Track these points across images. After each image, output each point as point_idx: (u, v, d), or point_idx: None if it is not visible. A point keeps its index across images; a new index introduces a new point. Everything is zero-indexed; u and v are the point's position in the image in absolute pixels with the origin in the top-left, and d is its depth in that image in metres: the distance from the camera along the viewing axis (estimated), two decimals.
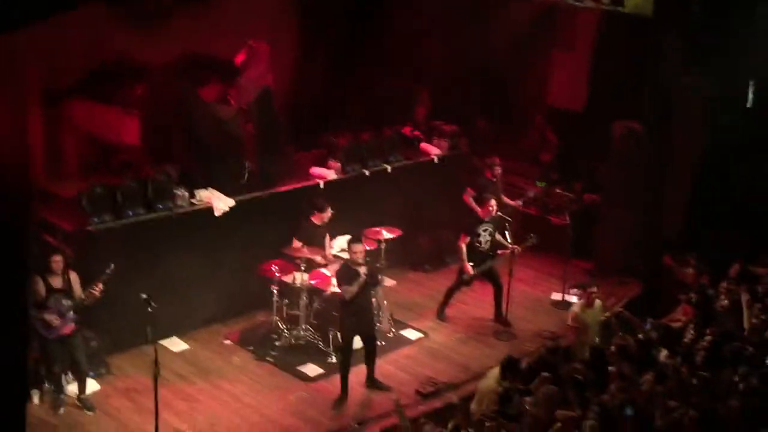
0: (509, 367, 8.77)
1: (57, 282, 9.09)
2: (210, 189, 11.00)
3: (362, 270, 9.60)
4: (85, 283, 9.23)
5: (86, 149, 11.77)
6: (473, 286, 11.83)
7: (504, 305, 11.53)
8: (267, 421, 9.45)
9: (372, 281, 9.76)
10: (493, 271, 11.57)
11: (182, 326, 10.90)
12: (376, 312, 10.44)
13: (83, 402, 9.43)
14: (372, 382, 10.08)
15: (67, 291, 9.10)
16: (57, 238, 10.21)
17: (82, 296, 9.12)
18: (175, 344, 10.74)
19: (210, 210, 10.81)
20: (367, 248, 11.01)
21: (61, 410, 9.36)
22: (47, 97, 11.20)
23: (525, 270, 12.60)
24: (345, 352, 9.84)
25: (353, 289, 9.54)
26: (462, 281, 11.58)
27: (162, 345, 10.18)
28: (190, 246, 10.69)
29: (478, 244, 11.38)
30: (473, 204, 11.99)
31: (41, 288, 9.01)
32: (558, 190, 13.56)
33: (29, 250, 9.21)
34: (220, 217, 10.85)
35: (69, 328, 9.14)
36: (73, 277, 9.19)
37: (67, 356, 9.32)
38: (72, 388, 9.60)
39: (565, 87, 14.17)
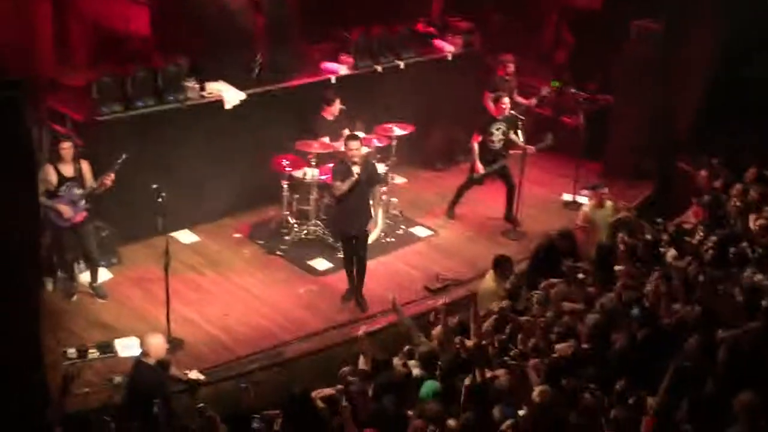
0: (499, 265, 8.83)
1: (68, 170, 9.07)
2: (220, 81, 10.88)
3: (355, 169, 9.32)
4: (96, 173, 9.22)
5: (95, 39, 11.59)
6: (484, 185, 11.81)
7: (515, 205, 11.51)
8: (276, 312, 9.57)
9: (367, 181, 9.45)
10: (506, 170, 11.50)
11: (192, 219, 10.95)
12: (371, 215, 9.84)
13: (95, 290, 9.55)
14: (358, 296, 9.80)
15: (78, 180, 9.10)
16: (67, 127, 10.16)
17: (94, 185, 9.12)
18: (186, 236, 10.81)
19: (220, 102, 10.72)
20: (378, 144, 11.00)
21: (74, 297, 9.49)
22: None
23: (536, 170, 12.50)
24: (344, 247, 9.80)
25: (343, 186, 9.31)
26: (473, 180, 11.54)
27: (173, 237, 10.23)
28: (200, 139, 10.64)
29: (490, 143, 11.28)
30: (490, 104, 11.78)
31: (53, 177, 9.00)
32: (572, 90, 13.36)
33: (36, 138, 9.29)
34: (230, 110, 10.76)
35: (80, 216, 9.18)
36: (85, 166, 9.17)
37: (79, 244, 9.39)
38: (84, 277, 9.71)
39: None
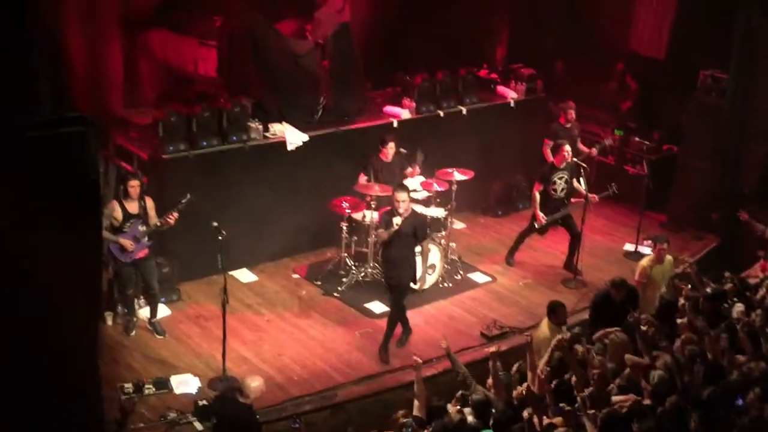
0: (553, 311, 8.68)
1: (133, 207, 9.24)
2: (284, 123, 11.02)
3: (396, 220, 9.18)
4: (160, 211, 9.37)
5: (162, 79, 11.88)
6: (545, 237, 11.71)
7: (576, 254, 11.35)
8: (332, 354, 9.54)
9: (413, 234, 9.30)
10: (569, 219, 11.34)
11: (252, 259, 11.05)
12: (414, 269, 9.72)
13: (154, 326, 9.64)
14: (383, 348, 9.59)
15: (142, 216, 9.25)
16: (133, 165, 10.36)
17: (158, 222, 9.26)
18: (245, 275, 10.89)
19: (283, 144, 10.84)
20: (438, 189, 10.98)
21: (133, 333, 9.59)
22: (126, 27, 11.28)
23: (598, 219, 12.40)
24: (392, 298, 9.64)
25: (383, 235, 9.27)
26: (533, 229, 11.42)
27: (231, 276, 10.32)
28: (262, 179, 10.77)
29: (552, 192, 11.15)
30: (549, 155, 11.65)
31: (118, 213, 9.17)
32: (636, 139, 13.22)
33: (102, 174, 9.48)
34: (292, 151, 10.86)
35: (143, 252, 9.32)
36: (149, 203, 9.33)
37: (140, 280, 9.51)
38: (144, 313, 9.83)
39: (648, 31, 13.69)
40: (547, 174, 11.15)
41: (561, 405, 6.73)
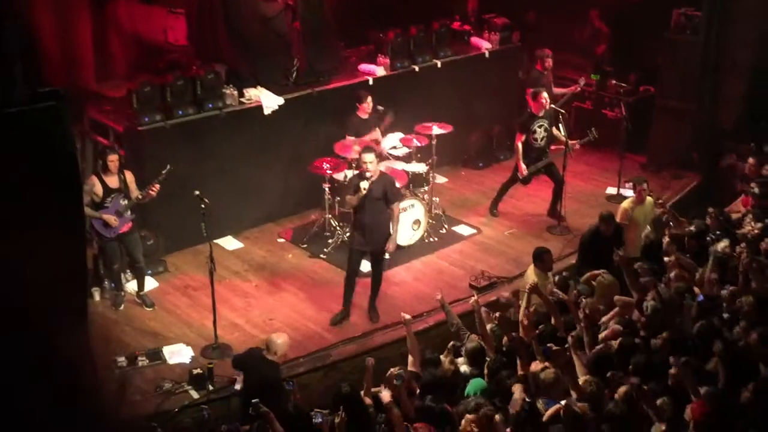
0: (539, 257, 8.72)
1: (113, 182, 9.18)
2: (259, 87, 10.93)
3: (364, 184, 8.84)
4: (140, 183, 9.31)
5: (133, 50, 11.74)
6: (530, 185, 11.73)
7: (560, 200, 11.37)
8: (322, 315, 9.55)
9: (383, 197, 8.98)
10: (552, 166, 11.36)
11: (236, 225, 11.02)
12: (389, 232, 9.32)
13: (142, 298, 9.62)
14: (370, 308, 9.50)
15: (123, 190, 9.19)
16: (109, 138, 10.28)
17: (139, 195, 9.20)
18: (230, 243, 10.87)
19: (259, 108, 10.76)
20: (419, 144, 10.96)
21: (121, 307, 9.58)
22: (93, 1, 11.12)
23: (579, 164, 12.44)
24: (350, 260, 9.32)
25: (352, 200, 9.01)
26: (516, 179, 11.43)
27: (217, 244, 10.26)
28: (241, 145, 10.70)
29: (533, 141, 11.14)
30: (531, 100, 11.61)
31: (98, 188, 9.11)
32: (613, 82, 13.20)
33: (79, 149, 9.39)
34: (269, 115, 10.80)
35: (126, 226, 9.27)
36: (129, 176, 9.26)
37: (125, 254, 9.48)
38: (131, 286, 9.80)
39: None
40: (527, 123, 11.13)
41: (549, 345, 6.78)
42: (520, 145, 11.15)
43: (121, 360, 8.61)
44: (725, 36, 11.98)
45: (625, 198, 11.39)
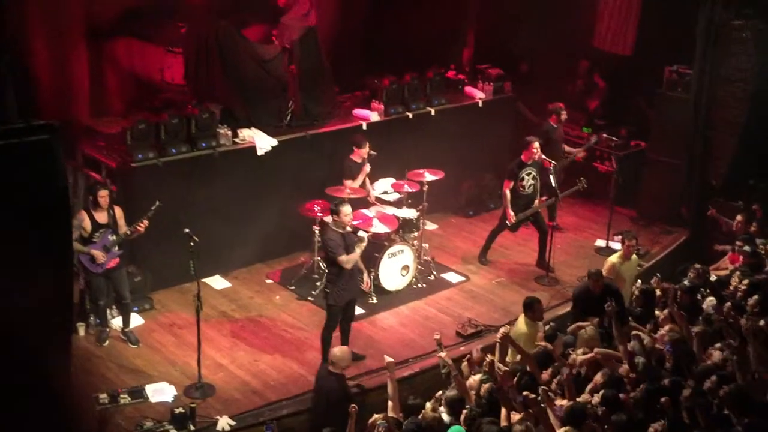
0: (530, 307, 8.73)
1: (102, 217, 9.18)
2: (253, 128, 10.99)
3: (361, 233, 8.99)
4: (129, 219, 9.31)
5: (129, 87, 11.80)
6: (517, 233, 11.76)
7: (547, 250, 11.40)
8: (308, 357, 9.51)
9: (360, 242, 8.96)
10: (538, 216, 11.44)
11: (224, 265, 11.00)
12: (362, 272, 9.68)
13: (127, 335, 9.56)
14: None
15: (111, 226, 9.19)
16: (101, 174, 10.28)
17: (128, 231, 9.20)
18: (218, 282, 10.84)
19: (252, 149, 10.81)
20: (410, 190, 11.01)
21: (106, 343, 9.52)
22: (91, 36, 11.21)
23: (569, 216, 12.51)
24: (337, 313, 9.16)
25: (355, 256, 8.93)
26: (504, 226, 11.47)
27: (205, 283, 10.24)
28: (232, 185, 10.72)
29: (521, 188, 11.22)
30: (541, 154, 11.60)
31: (87, 223, 9.11)
32: (604, 136, 13.31)
33: (71, 184, 9.40)
34: (262, 156, 10.84)
35: (113, 262, 9.25)
36: (118, 212, 9.27)
37: (111, 290, 9.45)
38: (116, 322, 9.75)
39: (613, 29, 13.82)
40: (516, 171, 11.20)
41: (525, 393, 6.74)
42: (508, 192, 11.21)
43: (103, 397, 8.53)
44: (716, 94, 12.11)
45: (613, 251, 11.47)
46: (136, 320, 9.85)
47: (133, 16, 11.49)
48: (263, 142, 10.86)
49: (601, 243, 12.27)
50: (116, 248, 9.23)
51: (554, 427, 6.52)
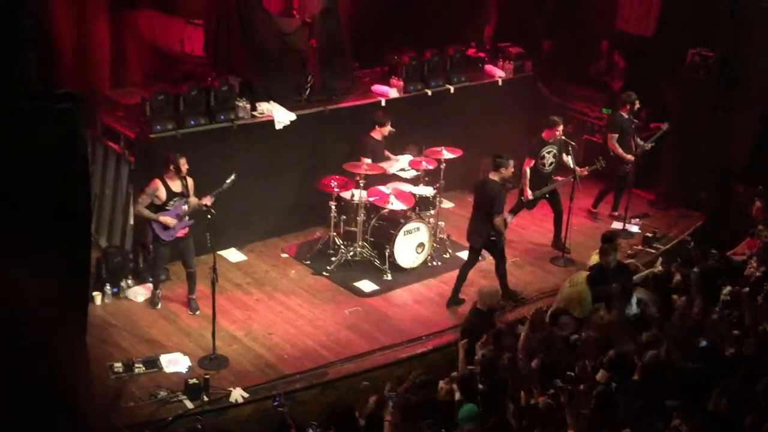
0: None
1: (177, 186, 9.28)
2: (271, 102, 10.98)
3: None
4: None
5: (149, 59, 11.79)
6: (533, 210, 11.71)
7: (563, 231, 11.36)
8: (321, 332, 9.56)
9: None
10: (555, 195, 11.41)
11: (240, 238, 11.03)
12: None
13: (190, 302, 9.67)
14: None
15: (185, 194, 9.27)
16: (120, 144, 10.31)
17: (200, 201, 9.20)
18: (234, 255, 10.88)
19: (271, 123, 10.80)
20: (428, 167, 10.99)
21: (158, 306, 9.70)
22: (113, 6, 11.20)
23: (586, 198, 12.41)
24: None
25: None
26: (522, 204, 11.45)
27: (220, 255, 10.29)
28: (250, 158, 10.72)
29: (541, 167, 11.19)
30: (618, 149, 11.72)
31: (162, 192, 9.20)
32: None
33: (90, 153, 9.43)
34: (280, 130, 10.83)
35: (183, 231, 9.37)
36: (190, 182, 9.35)
37: (175, 257, 9.63)
38: (132, 293, 9.83)
39: (636, 9, 13.68)
40: (537, 148, 11.17)
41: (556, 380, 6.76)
42: (528, 170, 11.20)
43: (118, 366, 8.61)
44: (738, 77, 11.99)
45: (630, 233, 11.47)
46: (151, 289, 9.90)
47: None
48: (282, 116, 10.86)
49: (618, 225, 12.21)
50: (187, 218, 9.29)
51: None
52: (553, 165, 11.23)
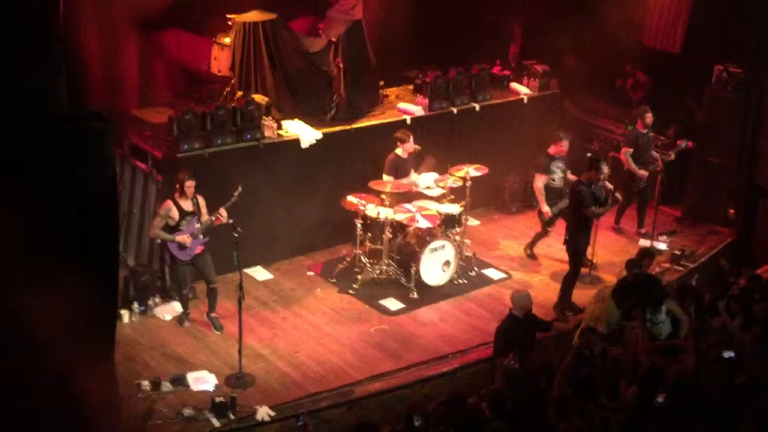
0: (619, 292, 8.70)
1: (188, 205, 9.36)
2: (297, 120, 11.03)
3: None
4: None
5: (177, 78, 11.92)
6: (558, 228, 11.67)
7: (591, 249, 11.29)
8: (347, 350, 9.55)
9: None
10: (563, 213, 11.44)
11: (267, 256, 11.07)
12: None
13: (212, 320, 9.70)
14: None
15: (197, 213, 9.35)
16: (147, 164, 10.40)
17: (212, 218, 9.32)
18: (260, 273, 10.91)
19: (297, 141, 10.85)
20: (453, 185, 10.99)
21: (186, 324, 9.75)
22: (140, 26, 11.33)
23: (613, 215, 12.34)
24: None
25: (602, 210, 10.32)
26: (545, 223, 11.44)
27: (247, 274, 10.32)
28: (276, 177, 10.78)
29: (552, 182, 11.31)
30: (631, 164, 11.74)
31: (175, 212, 9.29)
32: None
33: (118, 172, 9.52)
34: (306, 148, 10.87)
35: (199, 248, 9.44)
36: (201, 200, 9.43)
37: (197, 276, 9.69)
38: (159, 311, 9.89)
39: (663, 26, 13.62)
40: (546, 164, 11.29)
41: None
42: (541, 186, 11.31)
43: (145, 384, 8.63)
44: (766, 94, 11.90)
45: (658, 251, 11.37)
46: (178, 308, 9.94)
47: (183, 6, 11.61)
48: (308, 134, 10.90)
49: (645, 243, 12.12)
50: (201, 236, 9.37)
51: None
52: (562, 180, 11.32)
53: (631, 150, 11.81)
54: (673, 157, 11.98)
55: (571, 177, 11.32)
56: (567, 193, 11.23)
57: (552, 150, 11.30)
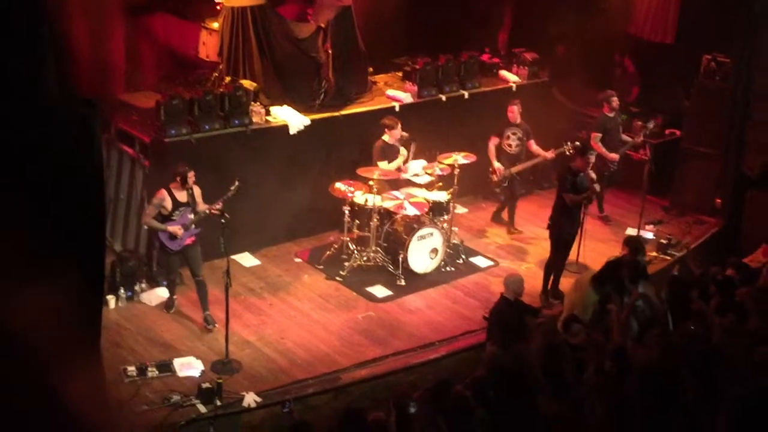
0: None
1: (182, 196, 9.28)
2: (285, 106, 11.00)
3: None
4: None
5: (164, 63, 11.85)
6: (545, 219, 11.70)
7: (578, 238, 11.28)
8: (334, 337, 9.56)
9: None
10: (514, 181, 11.81)
11: (254, 243, 11.04)
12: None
13: (206, 319, 9.55)
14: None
15: (191, 204, 9.29)
16: (135, 148, 10.35)
17: (207, 210, 9.25)
18: (247, 260, 10.89)
19: (285, 127, 10.82)
20: (441, 173, 10.99)
21: (173, 310, 9.76)
22: (128, 11, 11.26)
23: (596, 204, 12.36)
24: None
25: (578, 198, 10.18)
26: (497, 184, 11.79)
27: (234, 260, 10.27)
28: (264, 163, 10.74)
29: (507, 147, 11.59)
30: (601, 148, 11.80)
31: (168, 202, 9.22)
32: (638, 123, 13.18)
33: (105, 158, 9.47)
34: (294, 135, 10.85)
35: (190, 239, 9.38)
36: (197, 191, 9.36)
37: (185, 265, 9.62)
38: (146, 297, 9.87)
39: (652, 16, 13.62)
40: (502, 129, 11.62)
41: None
42: (492, 146, 11.66)
43: (131, 369, 8.62)
44: (754, 84, 11.94)
45: (645, 240, 11.39)
46: (164, 294, 9.93)
47: None
48: (296, 120, 10.88)
49: (632, 232, 12.15)
50: (194, 227, 9.33)
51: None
52: (519, 147, 11.65)
53: (600, 135, 11.90)
54: (641, 139, 12.20)
55: (535, 147, 11.62)
56: (523, 160, 11.62)
57: (508, 117, 11.65)
